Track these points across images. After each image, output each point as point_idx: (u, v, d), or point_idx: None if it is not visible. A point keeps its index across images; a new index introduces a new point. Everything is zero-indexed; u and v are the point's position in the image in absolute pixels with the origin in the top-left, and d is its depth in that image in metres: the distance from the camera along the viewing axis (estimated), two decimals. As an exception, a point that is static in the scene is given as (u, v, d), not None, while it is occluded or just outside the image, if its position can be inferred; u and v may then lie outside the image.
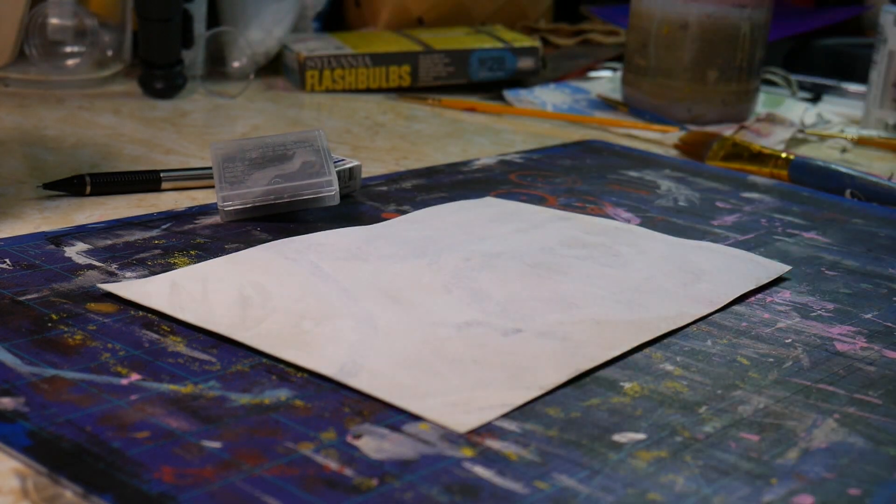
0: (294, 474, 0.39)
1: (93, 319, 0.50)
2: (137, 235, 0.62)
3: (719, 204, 0.76)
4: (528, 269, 0.58)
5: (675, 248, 0.64)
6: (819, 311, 0.58)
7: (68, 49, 1.01)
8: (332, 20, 1.29)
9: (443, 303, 0.53)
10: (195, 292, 0.52)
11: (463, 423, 0.43)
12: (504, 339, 0.50)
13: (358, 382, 0.45)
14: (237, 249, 0.61)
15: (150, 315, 0.51)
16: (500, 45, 1.13)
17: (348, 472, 0.39)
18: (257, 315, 0.50)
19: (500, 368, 0.47)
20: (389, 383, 0.45)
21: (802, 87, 1.19)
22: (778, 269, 0.63)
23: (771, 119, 1.03)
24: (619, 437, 0.43)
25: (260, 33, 1.10)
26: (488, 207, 0.70)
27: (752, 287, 0.60)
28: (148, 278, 0.54)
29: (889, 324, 0.57)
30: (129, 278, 0.56)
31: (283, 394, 0.45)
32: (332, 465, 0.40)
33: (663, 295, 0.57)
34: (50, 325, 0.50)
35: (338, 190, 0.66)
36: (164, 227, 0.64)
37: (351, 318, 0.51)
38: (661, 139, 0.97)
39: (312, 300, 0.52)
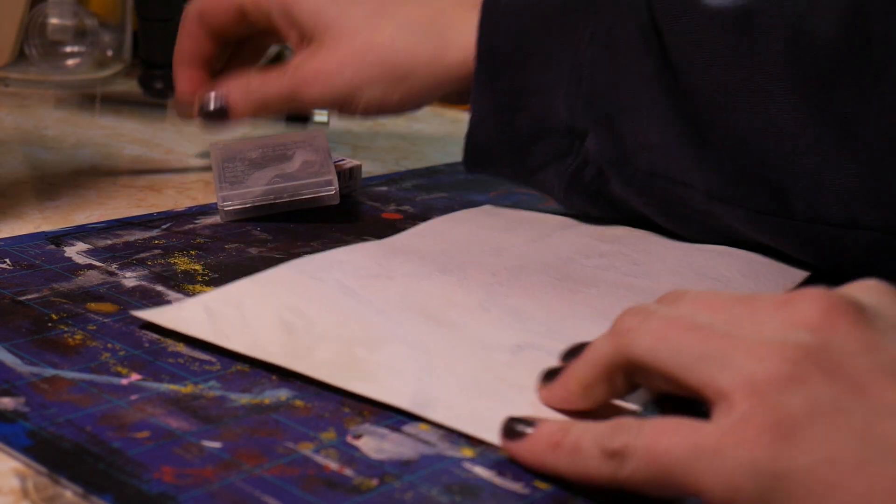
0: (294, 474, 0.39)
1: (93, 319, 0.50)
2: (137, 235, 0.62)
3: (719, 204, 0.76)
4: (556, 283, 0.57)
5: (691, 253, 0.63)
6: (819, 311, 0.58)
7: (68, 49, 1.01)
8: (332, 20, 1.29)
9: (484, 323, 0.52)
10: (234, 318, 0.50)
11: None
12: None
13: (436, 415, 0.43)
14: (237, 249, 0.61)
15: (150, 315, 0.51)
16: (500, 45, 1.12)
17: (348, 472, 0.39)
18: (306, 343, 0.48)
19: None
20: (469, 415, 0.43)
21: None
22: (799, 274, 0.61)
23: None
24: (619, 437, 0.43)
25: (260, 33, 1.09)
26: (491, 216, 0.68)
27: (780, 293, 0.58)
28: (178, 304, 0.52)
29: (889, 324, 0.57)
30: (127, 279, 0.55)
31: (283, 394, 0.45)
32: (332, 465, 0.40)
33: None
34: (50, 325, 0.50)
35: (338, 190, 0.66)
36: (164, 227, 0.64)
37: (402, 344, 0.49)
38: (661, 139, 0.96)
39: (356, 325, 0.50)
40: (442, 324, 0.51)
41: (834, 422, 0.35)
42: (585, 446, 0.38)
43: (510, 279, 0.57)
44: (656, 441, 0.36)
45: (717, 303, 0.40)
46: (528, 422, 0.40)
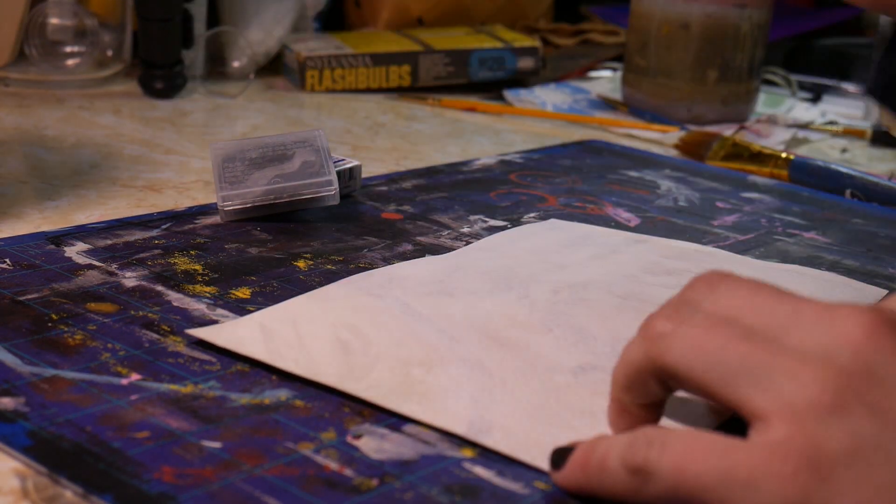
0: (294, 474, 0.39)
1: (93, 319, 0.51)
2: (137, 235, 0.62)
3: (719, 204, 0.76)
4: (621, 302, 0.55)
5: (763, 272, 0.61)
6: (819, 311, 0.58)
7: (68, 49, 1.01)
8: (332, 20, 1.29)
9: (547, 343, 0.50)
10: (289, 337, 0.49)
11: None
12: None
13: (493, 442, 0.42)
14: (237, 249, 0.61)
15: (149, 315, 0.51)
16: (500, 44, 1.13)
17: (348, 472, 0.39)
18: (362, 363, 0.47)
19: None
20: (527, 442, 0.42)
21: (802, 87, 1.19)
22: (875, 293, 0.59)
23: (771, 120, 1.03)
24: (619, 438, 0.43)
25: (260, 33, 1.10)
26: (555, 231, 0.67)
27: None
28: (234, 321, 0.51)
29: (889, 324, 0.57)
30: (127, 279, 0.55)
31: (283, 394, 0.45)
32: (332, 465, 0.40)
33: None
34: (50, 325, 0.50)
35: (338, 190, 0.66)
36: (164, 227, 0.64)
37: (460, 364, 0.48)
38: (661, 139, 0.97)
39: (414, 344, 0.49)
40: (503, 343, 0.50)
41: (872, 464, 0.33)
42: (610, 463, 0.37)
43: (573, 297, 0.55)
44: (685, 463, 0.35)
45: (758, 301, 0.38)
46: (571, 448, 0.39)
